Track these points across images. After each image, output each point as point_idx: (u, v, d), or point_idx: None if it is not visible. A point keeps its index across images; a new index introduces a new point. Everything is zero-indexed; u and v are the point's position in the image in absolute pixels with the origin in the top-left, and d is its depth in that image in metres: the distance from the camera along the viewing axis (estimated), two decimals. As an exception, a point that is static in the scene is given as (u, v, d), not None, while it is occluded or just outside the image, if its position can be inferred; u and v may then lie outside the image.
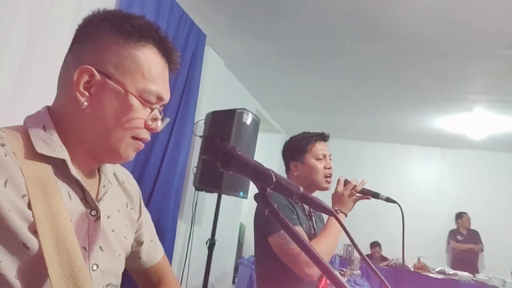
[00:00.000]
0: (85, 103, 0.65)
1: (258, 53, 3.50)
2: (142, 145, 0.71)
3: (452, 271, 4.69)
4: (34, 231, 0.58)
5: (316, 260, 0.57)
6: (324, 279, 1.43)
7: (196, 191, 3.08)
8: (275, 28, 2.94)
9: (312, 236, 1.49)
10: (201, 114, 3.12)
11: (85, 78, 0.65)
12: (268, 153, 6.01)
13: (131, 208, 0.83)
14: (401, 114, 4.85)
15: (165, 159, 2.67)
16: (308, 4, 2.52)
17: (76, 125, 0.67)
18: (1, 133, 0.62)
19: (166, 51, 0.71)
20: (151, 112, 0.69)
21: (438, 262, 5.15)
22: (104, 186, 0.74)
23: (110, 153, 0.69)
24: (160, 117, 0.71)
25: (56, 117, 0.68)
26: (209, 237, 2.93)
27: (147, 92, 0.68)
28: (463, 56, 3.00)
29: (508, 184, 5.90)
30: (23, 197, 0.59)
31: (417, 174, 6.44)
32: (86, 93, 0.65)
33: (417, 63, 3.24)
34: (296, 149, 1.62)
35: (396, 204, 1.47)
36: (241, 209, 4.70)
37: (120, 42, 0.67)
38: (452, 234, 5.81)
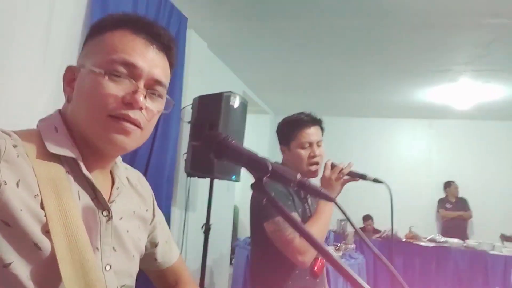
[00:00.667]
0: (67, 96, 0.69)
1: (241, 33, 3.44)
2: (125, 125, 0.65)
3: (442, 239, 4.82)
4: (46, 231, 0.59)
5: (315, 245, 0.57)
6: (319, 260, 1.45)
7: (188, 177, 3.06)
8: (257, 7, 2.88)
9: (308, 218, 1.49)
10: (187, 99, 3.07)
11: (68, 76, 0.69)
12: (257, 135, 6.01)
13: (146, 210, 0.83)
14: (388, 88, 4.87)
15: (154, 147, 2.64)
16: (290, -19, 2.47)
17: (75, 121, 0.68)
18: (13, 135, 0.62)
19: (141, 28, 0.68)
20: (128, 83, 0.65)
21: (429, 231, 5.28)
22: (117, 188, 0.73)
23: (97, 139, 0.66)
24: (137, 88, 0.65)
25: (68, 118, 0.69)
26: (204, 222, 2.94)
27: (110, 62, 0.64)
28: (447, 27, 3.00)
29: (494, 151, 6.03)
30: (35, 197, 0.59)
31: (405, 146, 6.54)
32: (69, 88, 0.69)
33: (402, 36, 3.22)
34: (284, 133, 1.59)
35: (386, 177, 1.49)
36: (234, 192, 4.72)
37: (94, 36, 0.70)
38: (441, 202, 5.96)
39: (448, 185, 5.97)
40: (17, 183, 0.58)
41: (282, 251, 1.35)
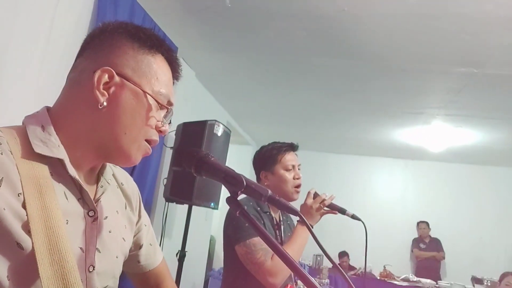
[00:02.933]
0: (105, 103, 0.67)
1: (229, 65, 3.57)
2: (150, 150, 0.74)
3: (416, 279, 4.87)
4: (28, 231, 0.58)
5: (285, 259, 0.62)
6: (289, 286, 1.48)
7: (167, 203, 3.06)
8: (246, 42, 3.02)
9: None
10: (171, 126, 3.12)
11: (105, 78, 0.68)
12: (238, 165, 6.02)
13: (130, 210, 0.84)
14: (366, 126, 5.05)
15: (135, 170, 2.65)
16: (277, 20, 2.62)
17: (86, 123, 0.68)
18: None
19: (172, 61, 0.76)
20: (166, 113, 0.74)
21: (403, 270, 5.33)
22: (101, 187, 0.74)
23: (120, 154, 0.71)
24: (169, 120, 0.76)
25: (57, 117, 0.68)
26: (179, 249, 2.92)
27: (161, 95, 0.72)
28: (421, 72, 3.20)
29: (465, 194, 6.25)
30: (18, 196, 0.59)
31: (381, 185, 6.69)
32: (105, 93, 0.68)
33: (379, 77, 3.41)
34: (266, 159, 1.66)
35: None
36: (212, 221, 4.69)
37: (135, 47, 0.71)
38: (415, 242, 6.06)
39: (419, 225, 6.11)
40: (0, 181, 0.57)
41: (253, 273, 1.38)
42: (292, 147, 1.69)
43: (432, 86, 3.47)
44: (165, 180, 2.99)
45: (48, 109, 0.70)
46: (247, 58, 3.33)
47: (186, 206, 3.03)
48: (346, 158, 6.73)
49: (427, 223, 6.06)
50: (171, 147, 3.10)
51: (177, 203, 3.02)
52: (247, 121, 5.56)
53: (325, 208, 1.54)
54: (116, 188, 0.82)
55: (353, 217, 1.54)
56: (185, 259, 2.90)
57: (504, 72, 2.99)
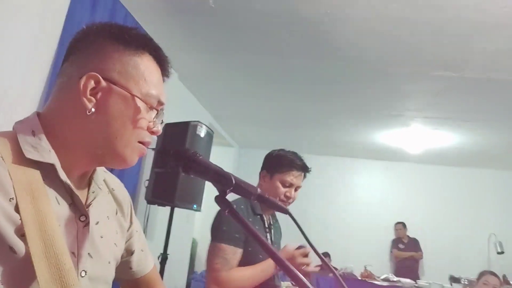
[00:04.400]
0: (92, 109, 0.66)
1: (212, 67, 3.56)
2: (145, 150, 0.73)
3: (396, 278, 4.95)
4: (21, 235, 0.58)
5: (273, 257, 0.62)
6: None
7: (148, 205, 3.02)
8: (229, 43, 3.02)
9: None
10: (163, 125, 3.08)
11: (91, 84, 0.67)
12: (222, 167, 6.01)
13: (121, 216, 0.84)
14: (347, 128, 5.12)
15: (114, 172, 2.60)
16: (261, 22, 2.63)
17: (76, 130, 0.67)
18: None
19: (160, 59, 0.75)
20: (157, 114, 0.73)
21: (383, 270, 5.42)
22: (93, 192, 0.74)
23: (115, 158, 0.70)
24: (161, 120, 0.74)
25: (48, 122, 0.68)
26: (161, 252, 2.88)
27: (150, 96, 0.71)
28: (402, 75, 3.27)
29: (443, 195, 6.42)
30: (10, 200, 0.58)
31: (362, 186, 6.79)
32: (93, 98, 0.67)
33: (362, 81, 3.47)
34: (275, 162, 1.65)
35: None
36: (194, 224, 4.65)
37: (120, 49, 0.70)
38: (395, 242, 6.19)
39: (396, 226, 6.24)
40: None
41: (206, 272, 1.42)
42: (303, 168, 1.66)
43: (412, 89, 3.54)
44: (147, 182, 2.95)
45: (38, 114, 0.70)
46: (230, 59, 3.33)
47: (168, 208, 3.00)
48: (329, 160, 6.80)
49: (403, 224, 6.19)
50: (152, 149, 3.05)
51: (159, 205, 2.98)
52: (230, 123, 5.55)
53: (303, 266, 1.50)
54: (107, 193, 0.82)
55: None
56: (167, 261, 2.86)
57: (482, 76, 3.09)
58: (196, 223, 4.80)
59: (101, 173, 0.80)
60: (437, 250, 6.02)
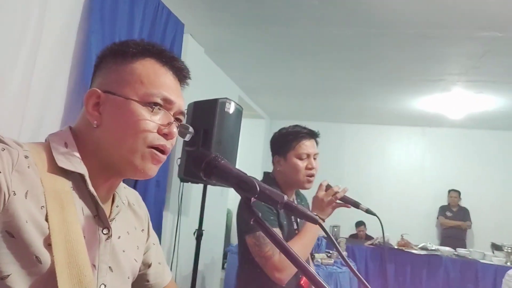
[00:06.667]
0: (95, 122, 0.69)
1: (238, 39, 3.46)
2: (160, 155, 0.70)
3: (434, 247, 4.86)
4: (48, 244, 0.59)
5: (294, 261, 0.58)
6: (303, 279, 1.46)
7: (181, 183, 3.07)
8: (255, 14, 2.89)
9: (292, 231, 1.50)
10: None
11: (94, 100, 0.70)
12: (252, 139, 6.02)
13: (142, 230, 0.84)
14: (382, 96, 4.91)
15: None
16: (287, -10, 2.49)
17: (93, 144, 0.70)
18: (24, 146, 0.64)
19: (165, 60, 0.73)
20: (162, 115, 0.70)
21: (426, 238, 5.29)
22: (117, 206, 0.75)
23: (126, 167, 0.69)
24: (172, 120, 0.71)
25: (77, 136, 0.71)
26: (197, 228, 2.94)
27: (150, 95, 0.69)
28: (441, 38, 3.03)
29: (486, 160, 6.10)
30: (41, 208, 0.60)
31: (399, 153, 6.59)
32: (96, 113, 0.69)
33: (396, 45, 3.26)
34: (281, 144, 1.58)
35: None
36: (228, 196, 4.72)
37: (118, 61, 0.72)
38: (442, 210, 5.98)
39: (450, 193, 5.98)
40: (26, 194, 0.59)
41: (260, 265, 1.37)
42: (311, 135, 1.58)
43: (453, 52, 3.30)
44: (179, 160, 2.98)
45: (70, 128, 0.73)
46: (257, 30, 3.21)
47: (201, 185, 3.03)
48: (363, 128, 6.62)
49: (458, 192, 5.92)
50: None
51: (192, 182, 3.01)
52: (259, 95, 5.46)
53: (338, 201, 1.46)
54: (128, 208, 0.82)
55: (368, 211, 1.45)
56: (203, 237, 2.93)
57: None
58: (230, 194, 4.87)
59: (122, 188, 0.80)
60: (479, 218, 5.80)
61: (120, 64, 0.71)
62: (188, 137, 0.77)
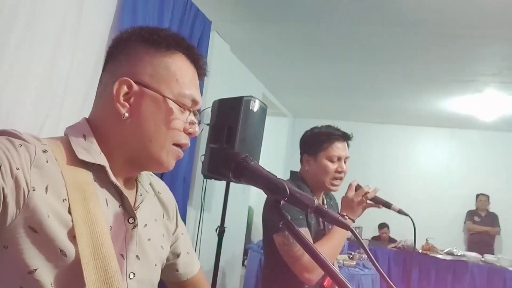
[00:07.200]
0: (126, 114, 0.67)
1: (263, 37, 3.44)
2: (182, 153, 0.72)
3: (460, 252, 4.71)
4: (73, 236, 0.59)
5: (321, 264, 0.58)
6: (327, 280, 1.44)
7: (205, 179, 3.09)
8: (281, 12, 2.87)
9: (320, 233, 1.48)
10: (207, 102, 3.10)
11: (124, 89, 0.68)
12: (275, 137, 6.00)
13: (167, 219, 0.84)
14: (409, 96, 4.79)
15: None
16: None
17: (116, 135, 0.69)
18: (43, 140, 0.64)
19: (194, 58, 0.73)
20: (189, 115, 0.71)
21: (452, 243, 5.12)
22: (141, 195, 0.75)
23: (151, 161, 0.70)
24: (197, 121, 0.73)
25: (94, 128, 0.70)
26: (219, 224, 2.96)
27: (183, 96, 0.70)
28: (474, 38, 2.93)
29: (518, 164, 5.84)
30: (63, 201, 0.60)
31: (425, 155, 6.40)
32: (126, 104, 0.68)
33: (427, 45, 3.16)
34: (313, 143, 1.55)
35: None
36: (249, 194, 4.73)
37: (151, 52, 0.70)
38: (470, 214, 5.76)
39: (479, 197, 5.74)
40: (46, 189, 0.59)
41: (289, 265, 1.35)
42: (344, 137, 1.55)
43: (486, 53, 3.18)
44: (203, 157, 3.00)
45: (87, 119, 0.72)
46: (283, 28, 3.19)
47: (224, 182, 3.05)
48: (388, 128, 6.47)
49: (487, 197, 5.67)
50: (207, 124, 3.08)
51: (215, 179, 3.03)
52: (284, 93, 5.43)
53: (368, 201, 1.43)
54: (154, 197, 0.82)
55: (400, 212, 1.41)
56: (225, 233, 2.95)
57: None
58: (252, 192, 4.88)
59: (147, 176, 0.80)
60: (510, 224, 5.55)
61: (152, 55, 0.69)
62: (198, 133, 0.77)
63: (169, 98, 0.68)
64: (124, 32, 0.73)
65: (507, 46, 3.00)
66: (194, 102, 0.72)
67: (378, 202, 1.44)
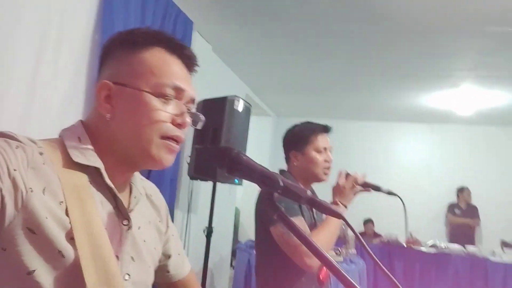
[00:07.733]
0: (108, 115, 0.68)
1: (245, 36, 3.46)
2: (174, 145, 0.70)
3: (443, 245, 4.82)
4: (71, 238, 0.59)
5: (317, 254, 0.59)
6: (324, 268, 1.45)
7: (191, 180, 3.08)
8: (262, 11, 2.89)
9: (312, 225, 1.50)
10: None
11: (104, 92, 0.69)
12: (259, 136, 6.01)
13: (159, 221, 0.85)
14: (389, 92, 4.88)
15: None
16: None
17: (106, 136, 0.70)
18: (39, 143, 0.64)
19: (174, 48, 0.72)
20: (176, 105, 0.70)
21: (434, 236, 5.24)
22: (135, 197, 0.75)
23: (143, 158, 0.70)
24: (185, 110, 0.71)
25: (90, 130, 0.71)
26: (206, 225, 2.95)
27: (162, 86, 0.69)
28: (451, 33, 3.01)
29: (496, 157, 6.02)
30: (60, 204, 0.60)
31: (406, 151, 6.52)
32: (108, 106, 0.69)
33: (405, 41, 3.24)
34: (298, 139, 1.59)
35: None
36: (235, 194, 4.73)
37: (128, 51, 0.71)
38: (451, 207, 5.91)
39: (461, 190, 5.89)
40: (43, 190, 0.59)
41: (289, 255, 1.35)
42: (326, 129, 1.62)
43: (462, 48, 3.28)
44: (189, 158, 2.99)
45: (82, 122, 0.73)
46: (263, 27, 3.21)
47: (210, 183, 3.04)
48: (369, 125, 6.56)
49: (467, 190, 5.83)
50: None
51: (201, 180, 3.03)
52: (266, 92, 5.46)
53: (359, 187, 1.49)
54: (146, 198, 0.83)
55: (389, 193, 1.49)
56: (212, 234, 2.94)
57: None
58: (238, 193, 4.88)
59: (139, 180, 0.80)
60: (488, 215, 5.73)
61: (129, 55, 0.70)
62: (200, 125, 0.77)
63: (145, 91, 0.68)
64: (107, 40, 0.74)
65: (482, 41, 3.10)
66: (178, 90, 0.70)
67: (368, 186, 1.50)
